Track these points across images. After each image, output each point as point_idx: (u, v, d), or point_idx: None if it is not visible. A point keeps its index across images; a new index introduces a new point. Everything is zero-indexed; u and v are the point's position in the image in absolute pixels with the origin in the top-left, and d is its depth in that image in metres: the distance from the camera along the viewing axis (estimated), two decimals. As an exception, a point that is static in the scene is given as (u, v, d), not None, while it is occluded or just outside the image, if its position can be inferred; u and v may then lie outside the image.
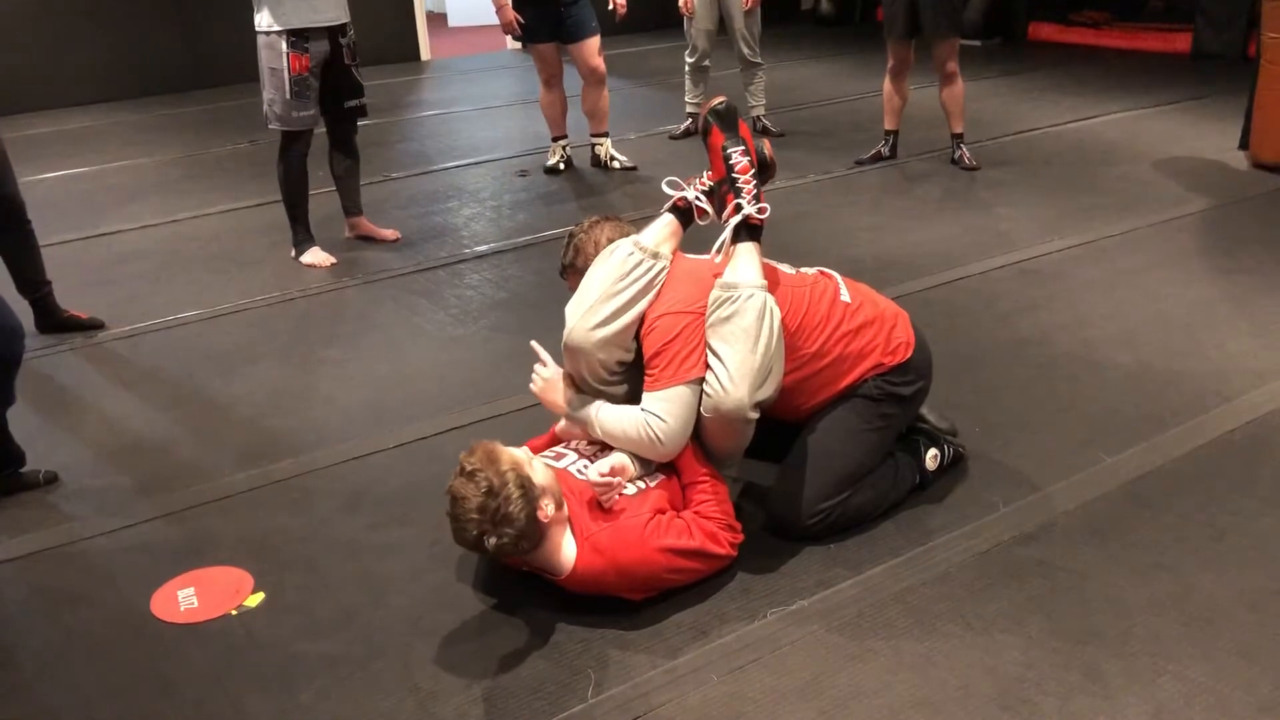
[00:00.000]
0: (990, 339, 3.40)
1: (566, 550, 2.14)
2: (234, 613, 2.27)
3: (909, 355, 2.45)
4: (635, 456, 2.28)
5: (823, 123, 6.43)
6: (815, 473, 2.36)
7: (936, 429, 2.64)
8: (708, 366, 2.24)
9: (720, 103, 2.45)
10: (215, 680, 2.07)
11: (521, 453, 2.15)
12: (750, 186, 2.38)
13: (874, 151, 5.49)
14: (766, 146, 2.51)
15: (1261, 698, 1.89)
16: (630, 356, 2.33)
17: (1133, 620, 2.09)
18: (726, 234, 2.37)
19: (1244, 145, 5.22)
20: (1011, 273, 3.94)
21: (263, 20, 4.03)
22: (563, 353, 2.35)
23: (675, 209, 2.44)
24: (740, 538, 2.28)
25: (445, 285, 4.11)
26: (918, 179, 5.20)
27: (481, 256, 4.41)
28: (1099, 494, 2.53)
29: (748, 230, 2.36)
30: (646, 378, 2.28)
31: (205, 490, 2.75)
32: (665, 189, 2.48)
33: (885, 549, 2.35)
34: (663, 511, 2.21)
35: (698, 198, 2.44)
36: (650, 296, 2.30)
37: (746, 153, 2.41)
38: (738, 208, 2.36)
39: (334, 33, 4.12)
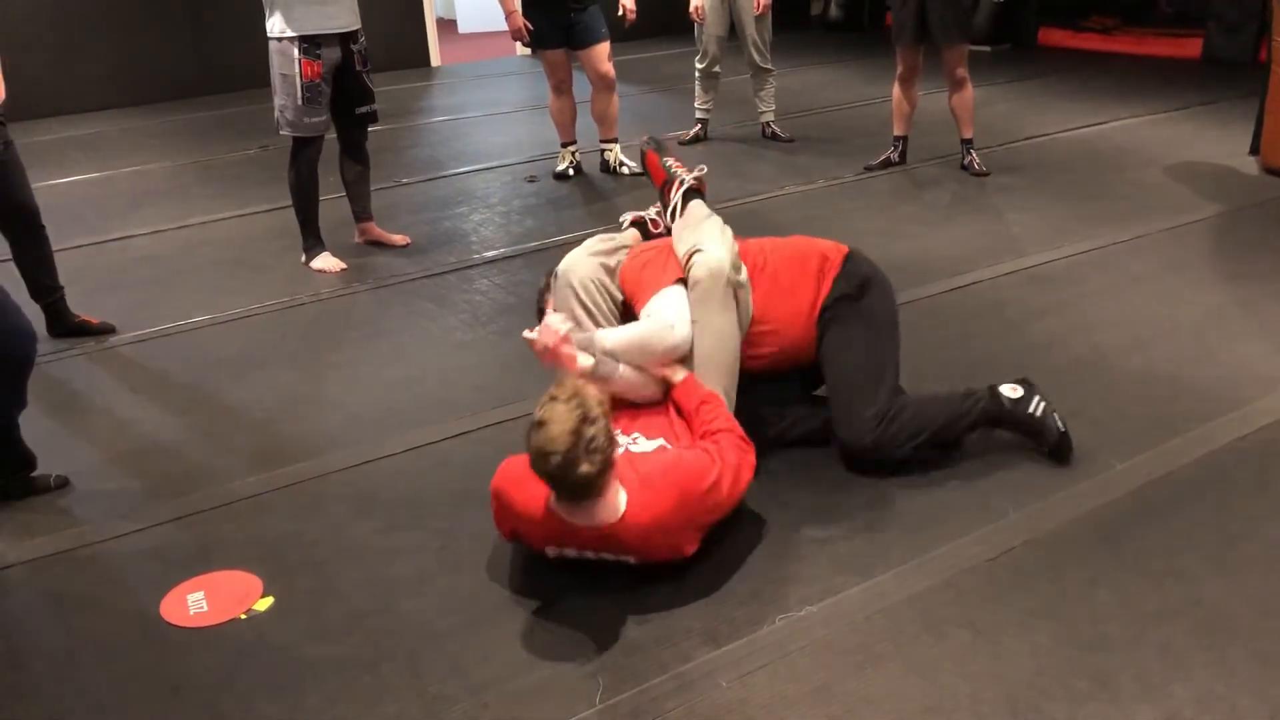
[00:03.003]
0: (1000, 344, 3.39)
1: (618, 499, 2.15)
2: (243, 616, 2.27)
3: (847, 249, 2.77)
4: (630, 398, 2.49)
5: (832, 128, 6.43)
6: (848, 389, 2.61)
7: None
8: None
9: (649, 137, 3.13)
10: (224, 684, 2.08)
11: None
12: (684, 170, 2.91)
13: (883, 157, 5.48)
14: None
15: (1274, 705, 1.88)
16: (612, 280, 2.68)
17: (1143, 627, 2.09)
18: (677, 198, 2.83)
19: (1255, 150, 5.21)
20: (1021, 278, 3.93)
21: (275, 26, 4.05)
22: (555, 286, 2.67)
23: (634, 224, 2.96)
24: (753, 450, 2.38)
25: (455, 290, 4.12)
26: (927, 184, 5.20)
27: (491, 262, 4.42)
28: (1109, 500, 2.52)
29: (695, 194, 2.87)
30: (638, 302, 2.59)
31: (215, 494, 2.76)
32: (622, 220, 2.99)
33: (894, 555, 2.34)
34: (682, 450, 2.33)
35: (656, 215, 2.96)
36: (623, 254, 2.75)
37: (676, 160, 3.00)
38: (681, 182, 2.87)
39: (345, 39, 4.14)
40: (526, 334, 2.43)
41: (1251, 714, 1.86)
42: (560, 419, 2.02)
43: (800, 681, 1.99)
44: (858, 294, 2.67)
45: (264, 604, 2.31)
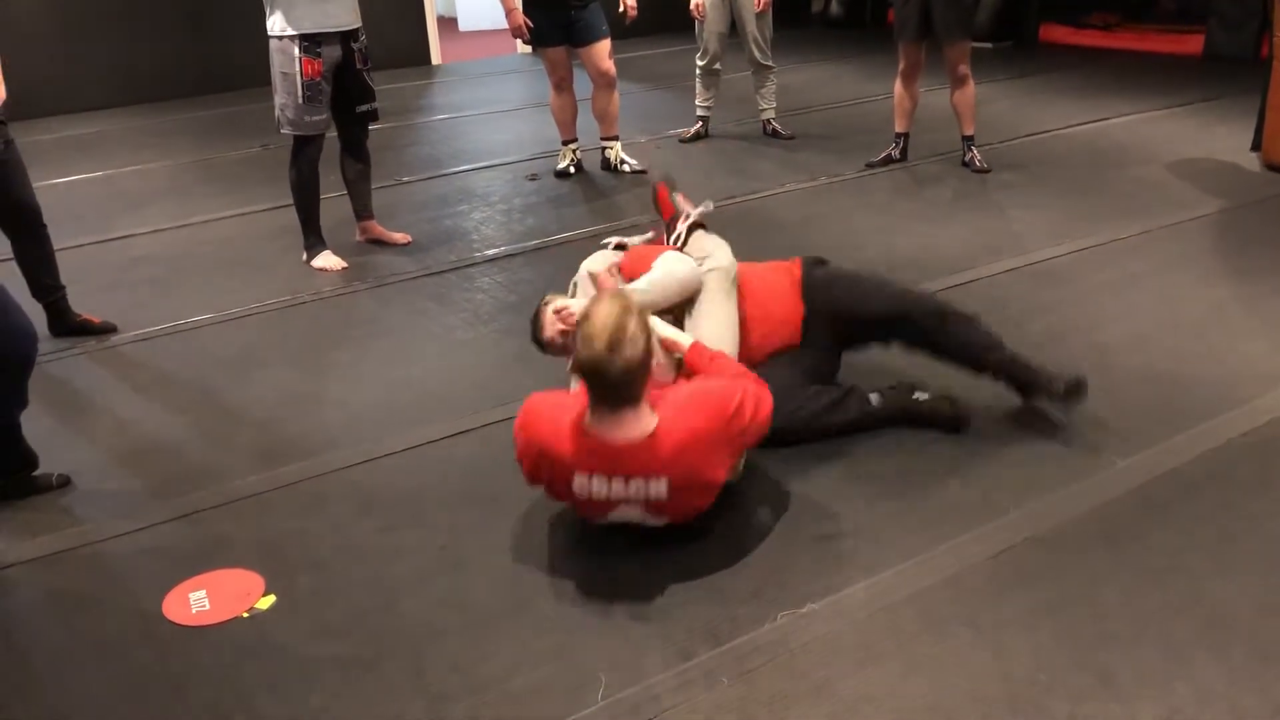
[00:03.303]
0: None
1: (652, 417, 2.22)
2: (245, 615, 2.28)
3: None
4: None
5: (833, 125, 6.42)
6: (870, 287, 2.95)
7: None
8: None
9: (664, 173, 3.53)
10: (226, 682, 2.08)
11: None
12: (691, 205, 3.16)
13: (885, 154, 5.48)
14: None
15: (1276, 702, 1.88)
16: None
17: (1145, 624, 2.09)
18: (682, 229, 3.02)
19: (1256, 147, 5.20)
20: (1022, 275, 3.93)
21: (275, 25, 4.05)
22: (577, 280, 2.85)
23: (618, 248, 3.08)
24: (769, 391, 2.42)
25: (456, 289, 4.12)
26: (929, 181, 5.19)
27: (492, 260, 4.42)
28: (1110, 497, 2.52)
29: (699, 228, 3.07)
30: (642, 270, 2.79)
31: (217, 493, 2.76)
32: (607, 243, 3.10)
33: (896, 552, 2.35)
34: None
35: (646, 242, 3.14)
36: (620, 258, 2.96)
37: (685, 197, 3.26)
38: (687, 216, 3.08)
39: (346, 37, 4.14)
40: (590, 270, 2.78)
41: (1253, 711, 1.86)
42: (604, 311, 2.16)
43: (801, 679, 1.99)
44: (824, 260, 3.06)
45: (266, 602, 2.31)
